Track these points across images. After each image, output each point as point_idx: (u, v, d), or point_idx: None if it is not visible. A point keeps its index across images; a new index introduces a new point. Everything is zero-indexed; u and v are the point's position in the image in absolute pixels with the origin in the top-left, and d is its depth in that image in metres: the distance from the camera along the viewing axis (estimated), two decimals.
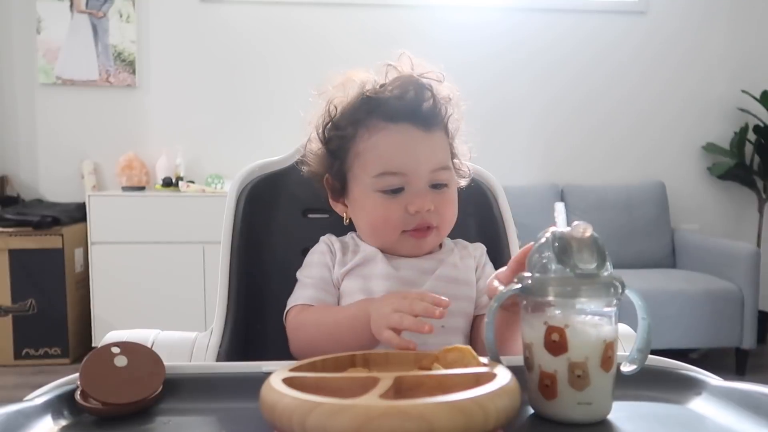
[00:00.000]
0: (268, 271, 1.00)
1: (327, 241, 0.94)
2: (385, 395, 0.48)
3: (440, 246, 0.93)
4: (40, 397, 0.59)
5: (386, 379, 0.51)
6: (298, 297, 0.89)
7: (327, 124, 0.90)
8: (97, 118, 3.29)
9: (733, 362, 2.93)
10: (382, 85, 0.87)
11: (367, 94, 0.87)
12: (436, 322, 0.80)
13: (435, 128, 0.87)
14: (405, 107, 0.85)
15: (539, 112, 3.45)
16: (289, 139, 1.04)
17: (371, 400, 0.46)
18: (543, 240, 0.59)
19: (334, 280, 0.90)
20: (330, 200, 0.94)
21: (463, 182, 0.95)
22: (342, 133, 0.88)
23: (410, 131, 0.85)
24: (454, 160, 0.92)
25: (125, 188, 3.11)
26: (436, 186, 0.86)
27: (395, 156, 0.84)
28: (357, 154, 0.87)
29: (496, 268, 0.97)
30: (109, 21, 3.25)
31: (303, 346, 0.85)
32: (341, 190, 0.91)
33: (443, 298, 0.71)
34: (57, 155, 3.28)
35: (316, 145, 0.92)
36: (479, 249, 0.95)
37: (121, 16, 3.25)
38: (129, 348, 0.63)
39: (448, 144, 0.90)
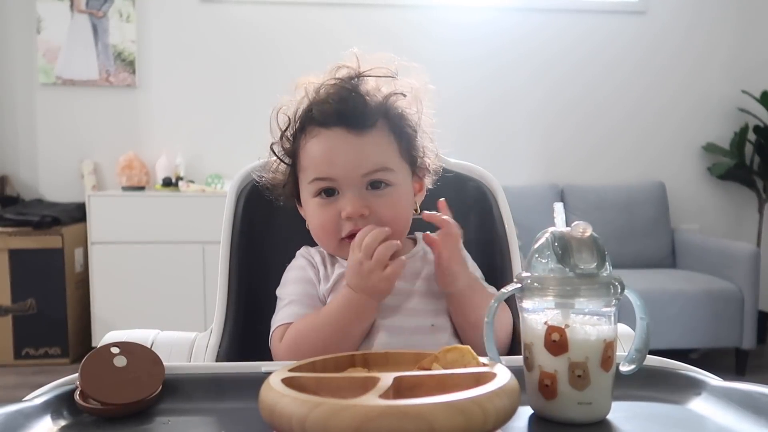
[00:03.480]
0: (268, 271, 1.00)
1: (305, 254, 0.92)
2: (384, 395, 0.48)
3: (414, 244, 0.91)
4: (39, 397, 0.59)
5: (386, 379, 0.51)
6: (283, 317, 0.85)
7: (280, 131, 0.89)
8: (97, 118, 3.29)
9: (733, 362, 2.93)
10: (318, 90, 0.87)
11: (307, 99, 0.87)
12: (425, 322, 0.84)
13: (369, 130, 0.84)
14: (334, 111, 0.84)
15: (539, 112, 3.45)
16: None
17: (371, 400, 0.46)
18: (543, 240, 0.59)
19: (320, 295, 0.87)
20: (299, 209, 0.93)
21: (428, 180, 0.93)
22: (287, 141, 0.89)
23: (341, 135, 0.83)
24: (415, 157, 0.89)
25: (125, 188, 3.11)
26: (376, 187, 0.84)
27: (324, 161, 0.84)
28: (299, 161, 0.88)
29: (496, 268, 0.98)
30: (109, 21, 3.25)
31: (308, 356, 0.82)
32: (298, 197, 0.91)
33: (384, 228, 0.79)
34: (57, 155, 3.28)
35: (272, 154, 0.92)
36: None
37: (121, 15, 3.25)
38: (128, 348, 0.63)
39: (391, 143, 0.86)
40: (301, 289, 0.87)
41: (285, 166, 0.90)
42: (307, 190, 0.87)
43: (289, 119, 0.88)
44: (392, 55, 0.89)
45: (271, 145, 0.91)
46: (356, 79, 0.86)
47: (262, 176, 0.94)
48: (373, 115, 0.85)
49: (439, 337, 0.83)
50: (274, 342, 0.85)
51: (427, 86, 0.90)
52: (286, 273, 0.91)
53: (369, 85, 0.87)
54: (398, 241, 0.80)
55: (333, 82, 0.86)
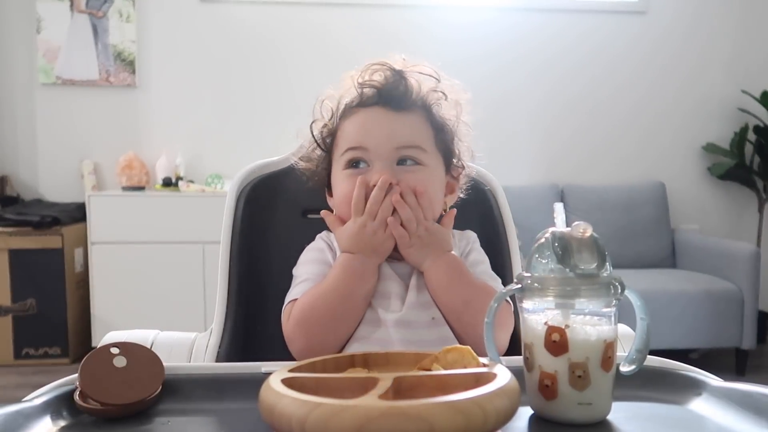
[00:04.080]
0: (268, 271, 1.00)
1: (325, 238, 0.92)
2: (384, 396, 0.48)
3: None
4: (39, 397, 0.59)
5: (386, 380, 0.51)
6: (294, 293, 0.86)
7: (319, 121, 0.92)
8: (97, 118, 3.29)
9: (733, 362, 2.93)
10: (362, 73, 0.90)
11: (351, 85, 0.89)
12: (426, 315, 0.84)
13: (407, 110, 0.87)
14: (375, 92, 0.87)
15: (540, 112, 3.45)
16: (289, 139, 1.04)
17: (371, 400, 0.46)
18: (543, 240, 0.59)
19: None
20: (327, 198, 0.94)
21: (462, 180, 0.94)
22: (327, 127, 0.91)
23: (378, 111, 0.87)
24: (450, 153, 0.91)
25: (125, 188, 3.11)
26: (404, 163, 0.86)
27: (358, 133, 0.86)
28: (335, 143, 0.90)
29: (496, 268, 0.97)
30: (109, 21, 3.25)
31: (318, 328, 0.81)
32: (329, 185, 0.92)
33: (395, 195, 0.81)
34: (57, 155, 3.28)
35: (311, 144, 0.94)
36: (465, 239, 0.94)
37: (121, 15, 3.25)
38: (128, 348, 0.63)
39: (427, 129, 0.88)
40: (317, 269, 0.88)
41: (321, 153, 0.92)
42: (338, 165, 0.88)
43: (332, 109, 0.91)
44: (434, 65, 0.92)
45: (311, 126, 0.92)
46: (400, 70, 0.89)
47: (299, 162, 0.95)
48: (411, 100, 0.87)
49: (440, 331, 0.83)
50: (284, 322, 0.85)
51: (467, 96, 0.92)
52: (304, 253, 0.92)
53: (412, 78, 0.89)
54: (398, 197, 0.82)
55: (377, 67, 0.89)
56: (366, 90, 0.88)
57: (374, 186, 0.83)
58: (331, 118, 0.90)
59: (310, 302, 0.82)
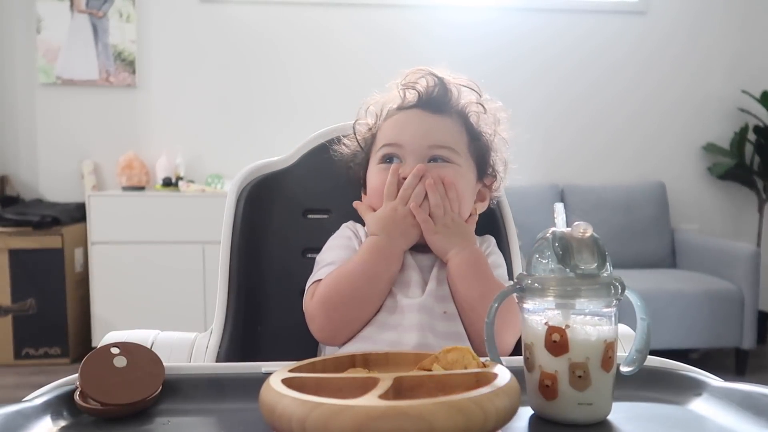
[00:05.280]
0: (268, 271, 1.00)
1: (351, 227, 0.95)
2: (384, 396, 0.48)
3: None
4: (39, 397, 0.58)
5: (386, 380, 0.51)
6: (318, 275, 0.88)
7: (362, 121, 0.97)
8: (97, 118, 3.29)
9: (733, 362, 2.93)
10: (405, 76, 0.94)
11: (395, 89, 0.94)
12: (440, 307, 0.86)
13: (444, 113, 0.91)
14: (415, 94, 0.92)
15: (540, 112, 3.45)
16: (289, 139, 1.04)
17: (371, 400, 0.46)
18: (543, 240, 0.59)
19: None
20: (362, 196, 0.98)
21: (495, 190, 0.99)
22: (371, 131, 0.95)
23: (416, 113, 0.91)
24: (484, 161, 0.95)
25: (125, 188, 3.11)
26: (436, 161, 0.89)
27: (395, 131, 0.91)
28: (375, 141, 0.94)
29: None
30: (109, 21, 3.25)
31: (342, 307, 0.83)
32: (364, 182, 0.96)
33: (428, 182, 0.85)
34: (57, 155, 3.28)
35: (352, 139, 0.98)
36: (486, 242, 0.97)
37: (121, 15, 3.25)
38: (128, 348, 0.63)
39: (462, 134, 0.92)
40: (344, 254, 0.90)
41: (360, 150, 0.96)
42: (374, 160, 0.93)
43: (376, 114, 0.95)
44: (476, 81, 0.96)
45: (354, 125, 0.97)
46: (442, 77, 0.93)
47: (339, 155, 0.98)
48: (449, 105, 0.92)
49: (451, 325, 0.85)
50: (306, 300, 0.88)
51: (506, 115, 0.98)
52: (330, 241, 0.94)
53: (452, 86, 0.93)
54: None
55: (420, 72, 0.93)
56: (408, 93, 0.92)
57: (404, 179, 0.87)
58: (375, 122, 0.95)
59: (336, 281, 0.85)
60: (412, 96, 0.92)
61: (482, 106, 0.94)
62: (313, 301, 0.86)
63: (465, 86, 0.94)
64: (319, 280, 0.87)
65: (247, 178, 1.02)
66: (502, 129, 0.97)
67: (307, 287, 0.89)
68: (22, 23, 3.23)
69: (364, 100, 0.98)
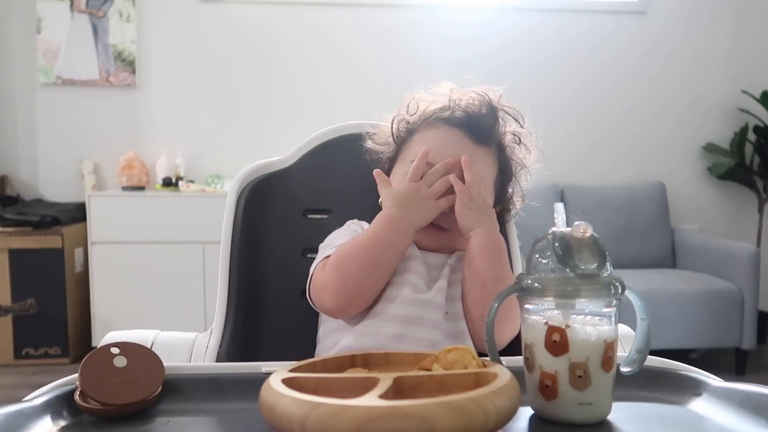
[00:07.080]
0: (268, 271, 1.00)
1: (356, 223, 0.96)
2: (384, 396, 0.48)
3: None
4: (39, 397, 0.59)
5: (386, 380, 0.51)
6: (328, 252, 0.88)
7: (402, 116, 0.96)
8: (97, 118, 3.29)
9: (733, 362, 2.93)
10: (462, 94, 0.95)
11: (447, 98, 0.94)
12: (441, 308, 0.86)
13: (484, 144, 0.92)
14: (465, 116, 0.91)
15: (539, 111, 3.42)
16: (289, 139, 1.04)
17: (371, 400, 0.46)
18: (543, 240, 0.59)
19: None
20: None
21: (505, 216, 0.99)
22: (410, 125, 0.95)
23: (459, 135, 0.91)
24: (502, 193, 0.96)
25: (125, 188, 3.11)
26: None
27: (434, 148, 0.89)
28: (410, 143, 0.94)
29: None
30: (109, 21, 3.24)
31: (356, 272, 0.83)
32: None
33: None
34: (57, 155, 3.28)
35: (386, 129, 0.98)
36: None
37: (121, 15, 3.25)
38: (128, 348, 0.63)
39: (493, 168, 0.93)
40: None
41: (392, 144, 0.97)
42: (403, 165, 0.93)
43: (418, 106, 0.95)
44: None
45: (393, 119, 0.97)
46: (495, 106, 0.94)
47: (369, 141, 0.99)
48: (492, 137, 0.93)
49: (456, 325, 0.86)
50: (316, 273, 0.87)
51: (536, 149, 0.98)
52: (334, 233, 0.95)
53: (500, 115, 0.94)
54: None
55: (476, 95, 0.94)
56: (458, 108, 0.92)
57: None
58: (414, 117, 0.94)
59: (350, 247, 0.85)
60: (461, 114, 0.92)
61: (519, 138, 0.95)
62: (325, 270, 0.85)
63: (510, 114, 0.95)
64: (328, 256, 0.87)
65: (247, 178, 1.02)
66: (532, 161, 0.97)
67: (312, 269, 0.89)
68: (22, 23, 3.23)
69: (409, 94, 0.97)
